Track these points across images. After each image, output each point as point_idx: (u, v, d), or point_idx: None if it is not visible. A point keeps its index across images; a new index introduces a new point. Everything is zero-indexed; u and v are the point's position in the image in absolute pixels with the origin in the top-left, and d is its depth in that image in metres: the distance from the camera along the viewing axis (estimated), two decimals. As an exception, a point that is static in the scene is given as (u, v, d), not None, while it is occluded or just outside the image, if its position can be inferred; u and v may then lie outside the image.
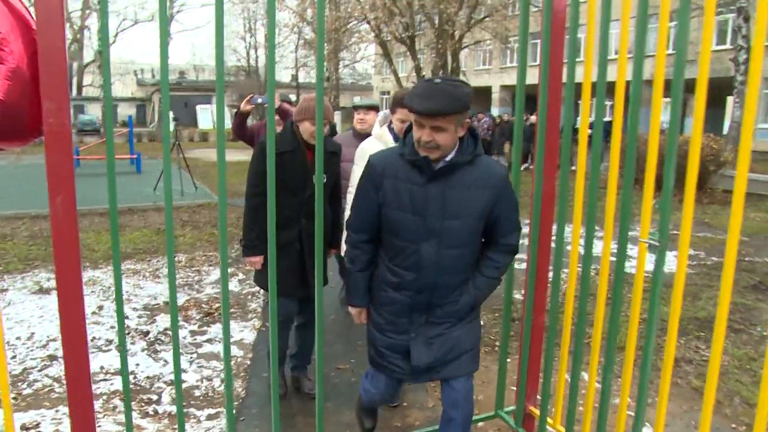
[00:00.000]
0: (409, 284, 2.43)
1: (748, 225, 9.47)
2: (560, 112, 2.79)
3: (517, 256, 2.66)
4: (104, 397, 3.72)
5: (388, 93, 43.64)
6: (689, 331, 4.95)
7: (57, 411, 3.54)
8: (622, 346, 3.48)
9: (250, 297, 5.71)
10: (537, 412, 3.12)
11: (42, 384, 3.89)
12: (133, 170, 15.10)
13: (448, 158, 2.34)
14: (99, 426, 3.36)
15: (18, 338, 4.62)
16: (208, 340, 4.67)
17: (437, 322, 2.47)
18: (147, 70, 49.14)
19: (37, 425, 3.38)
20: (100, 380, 3.96)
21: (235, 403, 3.66)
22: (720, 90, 21.17)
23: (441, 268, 2.38)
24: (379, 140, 3.51)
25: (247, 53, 44.46)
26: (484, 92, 33.11)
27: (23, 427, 3.35)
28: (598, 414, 2.72)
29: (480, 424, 3.43)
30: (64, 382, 3.82)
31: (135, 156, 15.21)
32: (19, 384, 3.86)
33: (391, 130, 3.51)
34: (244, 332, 4.83)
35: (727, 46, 23.55)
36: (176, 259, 7.10)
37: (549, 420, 3.08)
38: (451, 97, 2.21)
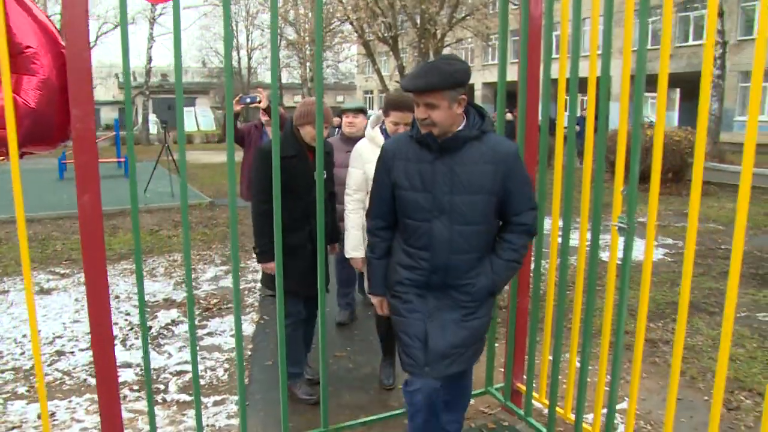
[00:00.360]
0: (423, 263, 2.43)
1: (724, 214, 9.82)
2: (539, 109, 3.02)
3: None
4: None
5: (371, 92, 43.85)
6: (667, 315, 5.21)
7: (70, 401, 3.73)
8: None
9: (247, 292, 5.90)
10: (524, 388, 3.36)
11: (53, 377, 4.07)
12: (120, 173, 15.19)
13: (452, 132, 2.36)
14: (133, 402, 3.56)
15: (24, 336, 4.79)
16: (209, 333, 4.87)
17: (454, 306, 2.46)
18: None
19: (53, 414, 3.57)
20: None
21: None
22: (696, 84, 21.65)
23: (454, 247, 2.38)
24: (372, 142, 3.53)
25: (122, 34, 43.96)
26: (467, 90, 33.41)
27: (39, 416, 3.53)
28: (578, 389, 2.96)
29: (471, 400, 3.68)
30: (74, 375, 4.06)
31: (123, 159, 15.29)
32: (31, 378, 4.04)
33: (383, 131, 3.54)
34: (244, 325, 5.02)
35: (704, 41, 24.03)
36: (172, 258, 7.28)
37: (535, 395, 3.33)
38: (440, 74, 2.24)
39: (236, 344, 2.78)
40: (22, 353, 4.46)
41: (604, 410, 3.00)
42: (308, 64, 29.00)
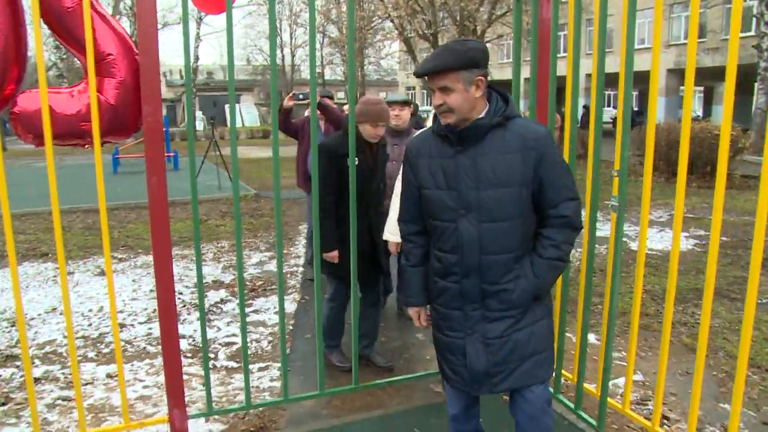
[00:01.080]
0: (454, 268, 2.24)
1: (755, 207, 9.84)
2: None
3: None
4: (170, 355, 4.38)
5: (414, 88, 44.11)
6: (688, 300, 5.44)
7: (132, 365, 4.21)
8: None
9: (288, 276, 6.35)
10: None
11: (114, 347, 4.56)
12: (170, 167, 15.91)
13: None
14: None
15: (90, 310, 5.32)
16: (254, 311, 5.31)
17: (496, 318, 2.23)
18: (175, 71, 50.35)
19: (114, 375, 4.05)
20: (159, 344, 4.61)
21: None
22: (746, 77, 21.20)
23: (484, 246, 2.17)
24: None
25: (183, 33, 45.00)
26: (508, 85, 33.41)
27: (108, 375, 4.02)
28: (602, 368, 3.04)
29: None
30: (134, 343, 4.55)
31: (172, 154, 16.00)
32: (99, 345, 4.55)
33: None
34: (286, 304, 5.45)
35: (751, 33, 23.54)
36: (219, 245, 7.80)
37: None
38: (452, 53, 2.08)
39: (279, 318, 3.18)
40: (90, 324, 4.98)
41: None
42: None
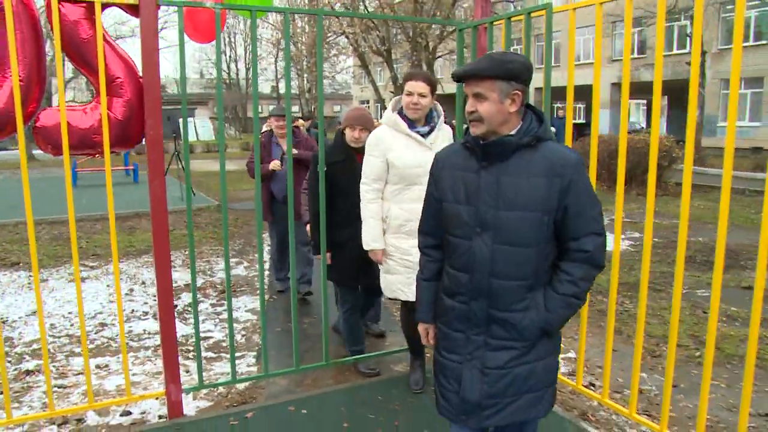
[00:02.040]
0: (463, 288, 2.14)
1: (692, 212, 10.73)
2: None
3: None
4: (152, 349, 4.77)
5: (367, 102, 44.84)
6: (619, 292, 6.11)
7: (118, 358, 4.59)
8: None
9: (256, 278, 6.79)
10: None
11: (100, 342, 4.93)
12: (129, 180, 16.09)
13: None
14: (154, 363, 4.44)
15: (70, 312, 5.66)
16: (226, 309, 5.73)
17: (499, 347, 2.11)
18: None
19: (107, 366, 4.44)
20: (146, 338, 5.01)
21: (257, 348, 4.75)
22: (682, 91, 22.53)
23: (496, 269, 2.07)
24: (393, 127, 3.50)
25: (228, 66, 45.50)
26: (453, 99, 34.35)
27: (97, 366, 4.40)
28: None
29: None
30: (118, 340, 4.90)
31: (132, 167, 16.19)
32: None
33: (403, 117, 3.49)
34: (255, 303, 5.90)
35: (686, 50, 25.01)
36: (187, 253, 8.16)
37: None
38: (492, 61, 2.01)
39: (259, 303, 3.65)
40: (72, 324, 5.33)
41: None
42: (305, 75, 30.01)
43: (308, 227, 4.37)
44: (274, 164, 5.46)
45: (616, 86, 31.40)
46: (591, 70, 26.68)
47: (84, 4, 2.89)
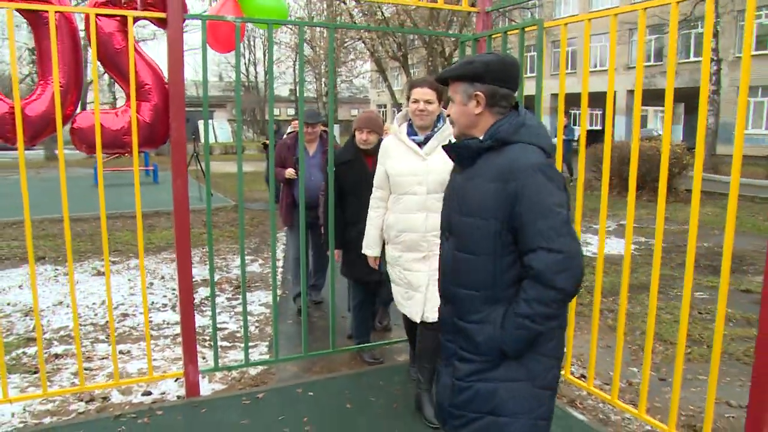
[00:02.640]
0: (441, 289, 2.16)
1: (700, 218, 10.86)
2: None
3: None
4: (171, 338, 5.08)
5: (384, 106, 45.18)
6: (619, 293, 6.33)
7: (140, 344, 4.90)
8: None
9: (269, 274, 7.10)
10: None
11: (123, 330, 5.26)
12: (150, 180, 16.51)
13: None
14: (173, 350, 4.74)
15: (94, 303, 6.00)
16: (241, 303, 6.04)
17: (465, 359, 2.02)
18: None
19: (129, 352, 4.75)
20: (165, 328, 5.32)
21: (269, 339, 5.04)
22: (696, 98, 22.58)
23: (456, 276, 2.02)
24: (397, 137, 3.48)
25: (247, 69, 46.08)
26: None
27: (120, 352, 4.71)
28: None
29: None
30: (139, 329, 5.23)
31: (152, 168, 16.62)
32: (107, 329, 5.23)
33: (409, 125, 3.47)
34: (269, 297, 6.20)
35: (701, 58, 24.98)
36: (204, 250, 8.49)
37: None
38: (459, 64, 2.01)
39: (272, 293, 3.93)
40: (95, 314, 5.66)
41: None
42: (323, 79, 30.41)
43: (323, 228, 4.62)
44: (290, 173, 5.26)
45: (632, 93, 31.45)
46: (604, 77, 26.78)
47: (118, 18, 3.20)
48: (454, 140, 2.08)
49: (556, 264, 1.81)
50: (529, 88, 3.71)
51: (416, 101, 3.35)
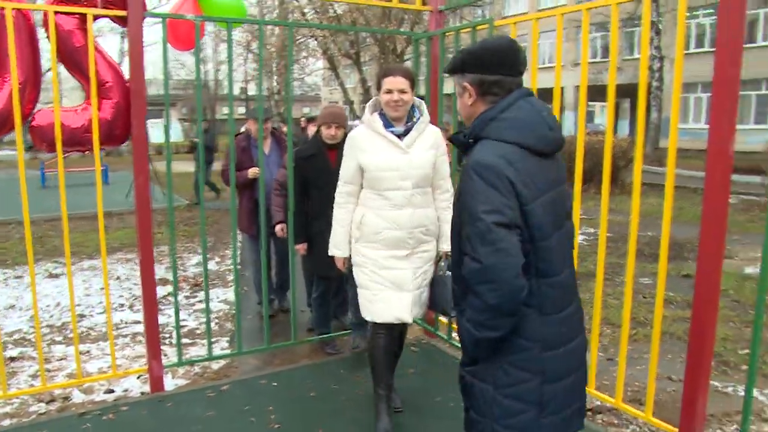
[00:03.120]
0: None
1: (643, 209, 11.32)
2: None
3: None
4: (130, 336, 5.08)
5: (336, 103, 45.17)
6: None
7: (98, 344, 4.88)
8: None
9: (227, 272, 7.12)
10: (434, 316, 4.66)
11: (81, 331, 5.21)
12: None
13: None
14: (133, 348, 4.75)
15: (48, 305, 5.92)
16: (200, 301, 6.06)
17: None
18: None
19: (88, 352, 4.73)
20: (123, 327, 5.31)
21: (229, 334, 5.09)
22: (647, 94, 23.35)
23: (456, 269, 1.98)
24: (370, 127, 3.20)
25: (197, 68, 45.26)
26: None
27: (80, 352, 4.68)
28: None
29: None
30: (96, 329, 5.21)
31: (102, 168, 16.29)
32: (63, 330, 5.19)
33: (382, 116, 3.19)
34: (227, 294, 6.24)
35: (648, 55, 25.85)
36: (159, 249, 8.42)
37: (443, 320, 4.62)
38: (453, 56, 2.01)
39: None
40: (51, 316, 5.60)
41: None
42: (275, 77, 30.23)
43: (278, 227, 4.66)
44: (254, 171, 4.93)
45: (579, 89, 32.30)
46: (551, 73, 27.58)
47: (77, 16, 3.22)
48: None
49: (475, 274, 1.73)
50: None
51: (390, 91, 3.08)
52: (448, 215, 3.16)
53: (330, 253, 3.39)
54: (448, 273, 3.01)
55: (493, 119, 1.83)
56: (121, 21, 3.31)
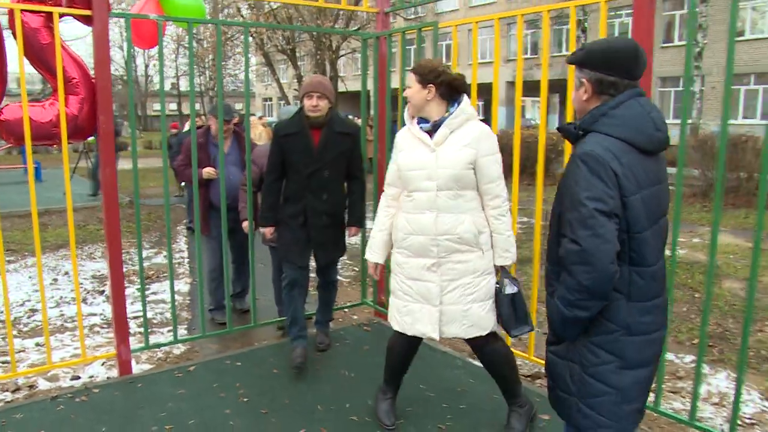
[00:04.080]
0: None
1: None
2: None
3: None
4: (87, 327, 5.17)
5: (271, 99, 44.89)
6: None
7: (56, 336, 4.96)
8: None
9: (176, 265, 7.23)
10: (384, 298, 4.98)
11: (34, 324, 5.27)
12: (26, 179, 15.73)
13: None
14: (93, 339, 4.86)
15: (-2, 301, 5.91)
16: (153, 293, 6.18)
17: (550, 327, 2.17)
18: (11, 80, 47.18)
19: (42, 344, 4.80)
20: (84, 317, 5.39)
21: (187, 322, 5.26)
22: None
23: (548, 249, 2.17)
24: (409, 128, 3.07)
25: (126, 63, 44.10)
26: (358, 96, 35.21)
27: (37, 344, 4.76)
28: None
29: (354, 309, 5.29)
30: (52, 322, 5.29)
31: (25, 166, 15.85)
32: (18, 325, 5.23)
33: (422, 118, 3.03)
34: (179, 285, 6.38)
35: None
36: (104, 245, 8.42)
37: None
38: (578, 48, 2.07)
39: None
40: (1, 311, 5.60)
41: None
42: (208, 72, 29.88)
43: (245, 224, 4.44)
44: (208, 171, 4.78)
45: (511, 84, 33.32)
46: (489, 68, 28.32)
47: (43, 14, 3.35)
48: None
49: (573, 255, 1.85)
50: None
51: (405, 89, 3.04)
52: (499, 225, 2.92)
53: (366, 256, 3.29)
54: (510, 290, 2.90)
55: (603, 115, 1.95)
56: (87, 20, 3.46)
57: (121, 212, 11.01)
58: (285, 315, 4.26)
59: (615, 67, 1.95)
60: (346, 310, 5.39)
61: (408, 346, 3.22)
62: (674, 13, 24.40)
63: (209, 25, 25.59)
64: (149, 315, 5.51)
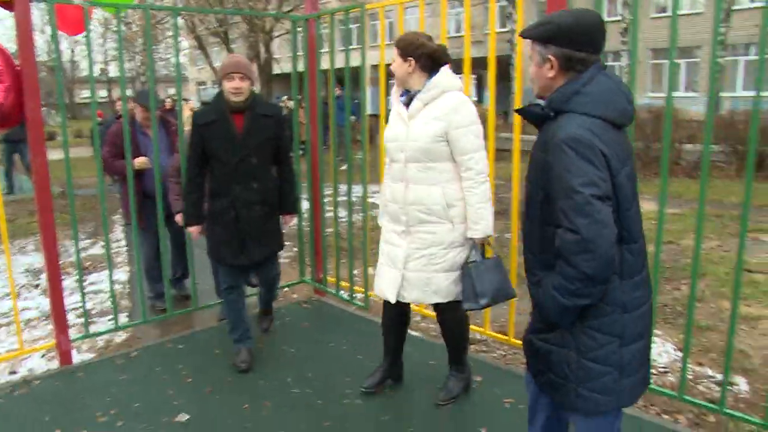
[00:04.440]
0: None
1: (505, 173, 12.34)
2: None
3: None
4: (24, 322, 5.08)
5: (205, 83, 43.95)
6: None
7: (-9, 331, 4.88)
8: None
9: (114, 255, 7.14)
10: (322, 276, 5.10)
11: (-32, 320, 5.15)
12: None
13: None
14: (30, 333, 4.80)
15: (-75, 299, 5.73)
16: (91, 283, 6.11)
17: (534, 316, 2.17)
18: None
19: (-18, 338, 4.73)
20: (13, 315, 5.29)
21: (127, 311, 5.25)
22: (507, 66, 24.72)
23: (525, 237, 2.12)
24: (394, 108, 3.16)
25: (49, 47, 42.24)
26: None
27: (-28, 338, 4.67)
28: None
29: (294, 287, 5.39)
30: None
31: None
32: (-50, 321, 5.11)
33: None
34: (119, 275, 6.32)
35: (507, 29, 27.46)
36: (37, 239, 8.21)
37: (331, 278, 5.06)
38: (538, 21, 1.97)
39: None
40: (-69, 309, 5.45)
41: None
42: (138, 57, 28.99)
43: (178, 216, 4.27)
44: (141, 162, 4.63)
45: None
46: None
47: (-38, 2, 3.27)
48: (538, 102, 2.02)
49: (573, 244, 1.79)
50: (355, 59, 4.31)
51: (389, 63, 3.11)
52: (470, 197, 2.92)
53: (379, 221, 3.32)
54: (477, 262, 2.92)
55: (576, 93, 1.86)
56: (7, 5, 3.39)
57: (54, 203, 10.82)
58: (226, 318, 3.99)
59: (584, 42, 1.87)
60: (285, 288, 5.47)
61: (390, 314, 3.34)
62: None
63: (139, 9, 24.83)
64: (88, 306, 5.44)
